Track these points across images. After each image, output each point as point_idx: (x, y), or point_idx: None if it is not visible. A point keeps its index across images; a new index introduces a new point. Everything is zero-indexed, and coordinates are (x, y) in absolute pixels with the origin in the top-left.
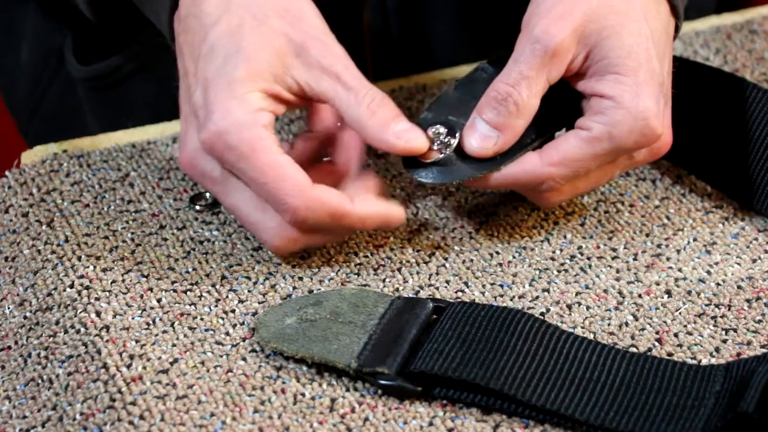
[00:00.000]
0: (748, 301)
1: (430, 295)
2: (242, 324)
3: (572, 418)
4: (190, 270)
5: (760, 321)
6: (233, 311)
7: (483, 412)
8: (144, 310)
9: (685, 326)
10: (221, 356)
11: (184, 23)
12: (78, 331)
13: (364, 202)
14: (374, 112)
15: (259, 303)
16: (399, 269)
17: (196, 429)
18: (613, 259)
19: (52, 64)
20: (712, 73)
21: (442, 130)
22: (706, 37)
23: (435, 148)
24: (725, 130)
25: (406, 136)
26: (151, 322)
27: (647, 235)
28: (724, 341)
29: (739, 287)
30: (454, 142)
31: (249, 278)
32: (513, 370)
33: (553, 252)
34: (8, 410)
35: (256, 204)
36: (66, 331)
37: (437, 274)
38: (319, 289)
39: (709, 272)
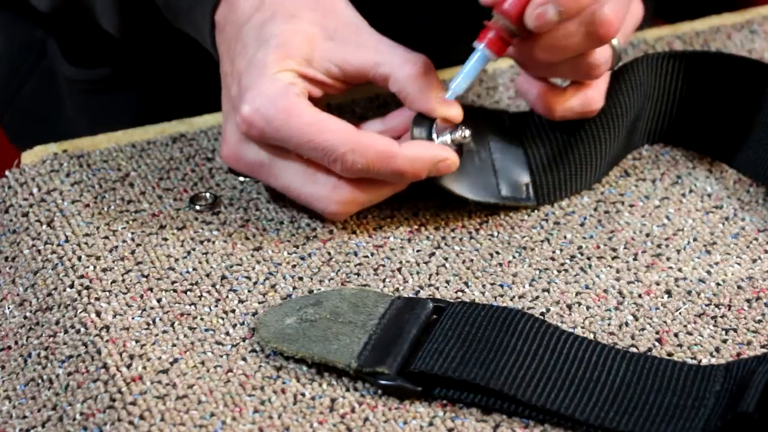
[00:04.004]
0: (748, 301)
1: (430, 295)
2: (242, 324)
3: (572, 418)
4: (190, 270)
5: (760, 321)
6: (233, 311)
7: (483, 412)
8: (144, 310)
9: (685, 326)
10: (221, 356)
11: (223, 32)
12: (78, 331)
13: (412, 146)
14: (418, 75)
15: (259, 303)
16: (399, 269)
17: (196, 429)
18: (613, 259)
19: (32, 57)
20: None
21: (467, 134)
22: (706, 37)
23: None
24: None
25: (446, 104)
26: (151, 322)
27: (647, 235)
28: (724, 341)
29: (739, 287)
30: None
31: (249, 278)
32: (513, 370)
33: (553, 252)
34: (8, 410)
35: (305, 176)
36: (66, 331)
37: (437, 274)
38: (319, 289)
39: (709, 272)
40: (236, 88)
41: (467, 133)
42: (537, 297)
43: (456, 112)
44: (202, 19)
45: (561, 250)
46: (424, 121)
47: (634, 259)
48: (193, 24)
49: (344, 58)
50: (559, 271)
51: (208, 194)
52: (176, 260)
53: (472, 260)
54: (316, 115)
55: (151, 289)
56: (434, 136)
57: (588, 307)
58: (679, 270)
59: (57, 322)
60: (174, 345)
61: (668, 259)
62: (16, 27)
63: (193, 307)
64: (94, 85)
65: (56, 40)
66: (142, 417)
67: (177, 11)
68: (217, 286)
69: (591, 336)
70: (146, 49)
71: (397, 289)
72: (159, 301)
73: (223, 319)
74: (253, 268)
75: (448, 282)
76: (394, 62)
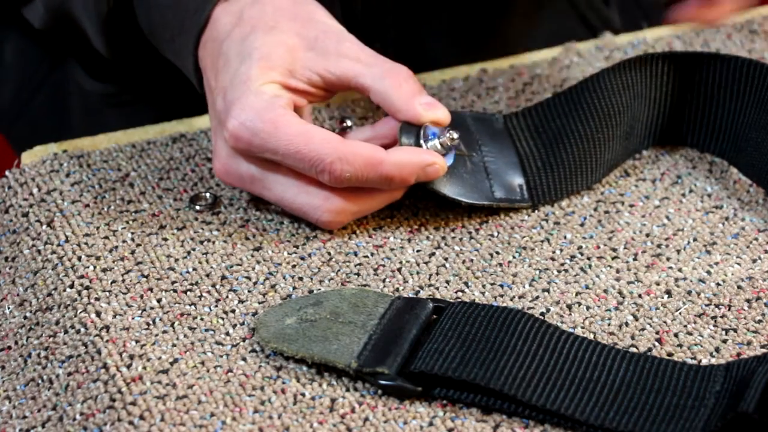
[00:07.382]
0: (748, 301)
1: (430, 295)
2: (242, 324)
3: (572, 418)
4: (190, 270)
5: (760, 321)
6: (233, 311)
7: (483, 412)
8: (144, 310)
9: (685, 326)
10: (221, 356)
11: (204, 48)
12: (78, 331)
13: (399, 151)
14: (400, 85)
15: (259, 303)
16: (399, 269)
17: (196, 429)
18: (613, 259)
19: (43, 69)
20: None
21: (455, 135)
22: (706, 37)
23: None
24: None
25: (432, 108)
26: (151, 322)
27: (647, 235)
28: (724, 341)
29: (739, 287)
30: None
31: (249, 278)
32: (513, 370)
33: (553, 252)
34: (8, 410)
35: (298, 188)
36: (66, 331)
37: (437, 274)
38: (319, 289)
39: (709, 272)
40: (222, 103)
41: (455, 134)
42: (537, 297)
43: (443, 114)
44: (185, 48)
45: (561, 250)
46: (411, 128)
47: (634, 259)
48: (176, 52)
49: (325, 68)
50: (559, 271)
51: (208, 194)
52: (176, 260)
53: (472, 260)
54: (303, 126)
55: (151, 289)
56: (422, 141)
57: (588, 307)
58: (679, 270)
59: (57, 322)
60: (174, 345)
61: (668, 259)
62: (28, 40)
63: (193, 307)
64: (110, 99)
65: (75, 53)
66: (142, 417)
67: (160, 40)
68: (217, 286)
69: (591, 336)
70: (145, 67)
71: (397, 289)
72: (159, 301)
73: (223, 319)
74: (253, 268)
75: (448, 282)
76: (374, 74)
